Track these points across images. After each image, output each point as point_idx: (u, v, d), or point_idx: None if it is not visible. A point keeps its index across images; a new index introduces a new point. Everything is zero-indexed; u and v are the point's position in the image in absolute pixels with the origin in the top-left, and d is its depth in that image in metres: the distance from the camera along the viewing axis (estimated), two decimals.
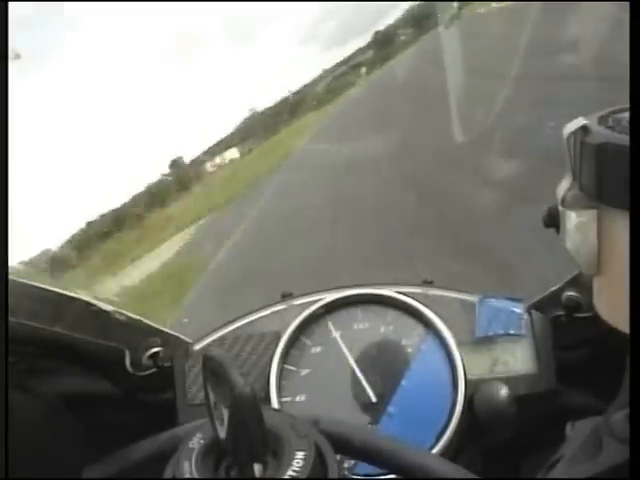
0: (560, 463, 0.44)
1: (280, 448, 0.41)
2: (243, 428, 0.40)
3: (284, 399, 0.77)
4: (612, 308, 0.43)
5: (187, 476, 0.40)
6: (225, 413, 0.40)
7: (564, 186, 0.44)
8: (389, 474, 0.68)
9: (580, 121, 0.42)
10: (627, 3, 0.43)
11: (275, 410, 0.46)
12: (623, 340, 0.40)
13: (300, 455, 0.40)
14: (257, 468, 0.41)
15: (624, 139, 0.38)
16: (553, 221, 0.47)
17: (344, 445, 0.48)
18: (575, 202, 0.43)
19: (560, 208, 0.45)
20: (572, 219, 0.44)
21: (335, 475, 0.41)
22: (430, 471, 0.47)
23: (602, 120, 0.42)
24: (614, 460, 0.40)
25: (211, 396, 0.42)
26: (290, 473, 0.39)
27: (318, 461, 0.41)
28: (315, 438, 0.43)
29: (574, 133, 0.42)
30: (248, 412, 0.39)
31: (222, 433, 0.41)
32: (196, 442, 0.43)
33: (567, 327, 0.77)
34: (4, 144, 0.51)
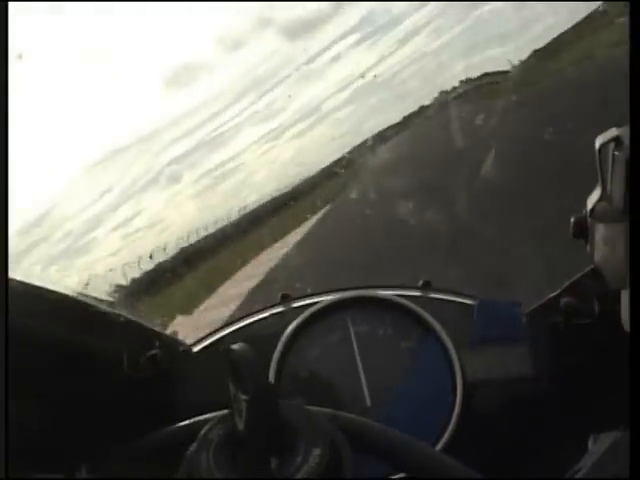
0: (579, 474, 0.44)
1: (297, 443, 0.41)
2: (260, 419, 0.40)
3: (282, 401, 0.77)
4: None
5: (204, 466, 0.40)
6: (244, 405, 0.40)
7: (594, 197, 0.43)
8: (396, 475, 0.68)
9: (613, 132, 0.40)
10: None
11: (293, 404, 0.45)
12: (622, 347, 0.39)
13: (316, 452, 0.40)
14: (273, 462, 0.41)
15: None
16: (581, 232, 0.46)
17: (360, 442, 0.47)
18: (604, 215, 0.42)
19: (589, 219, 0.44)
20: (601, 231, 0.43)
21: (351, 475, 0.41)
22: (446, 472, 0.46)
23: None
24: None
25: (231, 388, 0.42)
26: (306, 469, 0.39)
27: (334, 459, 0.41)
28: (333, 435, 0.43)
29: (606, 144, 0.41)
30: (266, 404, 0.40)
31: (240, 425, 0.41)
32: (215, 433, 0.43)
33: (565, 333, 0.77)
34: (4, 144, 0.51)
